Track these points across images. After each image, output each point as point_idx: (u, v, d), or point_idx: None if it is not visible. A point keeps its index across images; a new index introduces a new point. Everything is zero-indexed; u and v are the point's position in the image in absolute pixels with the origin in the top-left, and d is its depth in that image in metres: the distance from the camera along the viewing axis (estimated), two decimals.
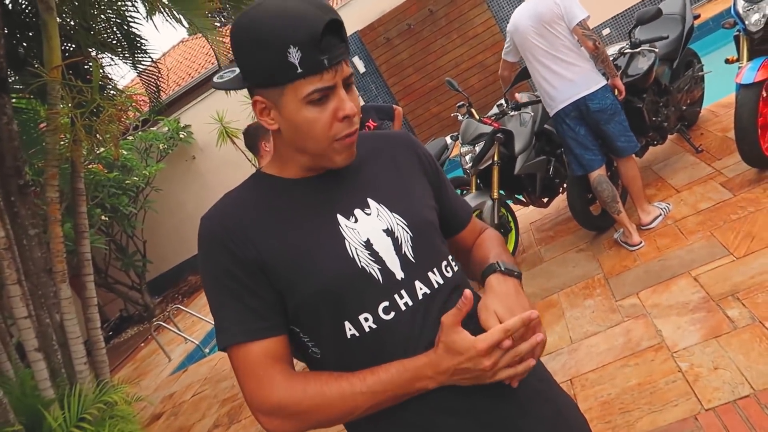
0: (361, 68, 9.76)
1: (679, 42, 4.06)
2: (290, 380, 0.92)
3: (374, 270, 0.94)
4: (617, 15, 8.86)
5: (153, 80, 5.44)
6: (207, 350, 6.48)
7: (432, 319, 0.95)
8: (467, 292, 0.93)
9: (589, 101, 3.33)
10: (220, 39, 5.68)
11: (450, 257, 1.05)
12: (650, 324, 2.75)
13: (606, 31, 8.94)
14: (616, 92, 3.43)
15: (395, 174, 1.05)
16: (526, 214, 4.84)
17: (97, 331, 4.31)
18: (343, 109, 0.90)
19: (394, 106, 4.93)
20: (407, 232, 0.98)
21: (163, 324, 6.70)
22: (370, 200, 0.99)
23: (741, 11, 3.17)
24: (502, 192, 3.82)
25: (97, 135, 3.65)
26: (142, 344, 8.26)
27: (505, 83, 3.84)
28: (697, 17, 4.29)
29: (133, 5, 4.77)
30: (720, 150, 3.94)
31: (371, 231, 0.96)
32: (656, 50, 3.64)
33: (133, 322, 9.88)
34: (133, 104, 5.63)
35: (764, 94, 3.15)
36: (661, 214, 3.56)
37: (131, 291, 9.59)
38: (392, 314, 0.94)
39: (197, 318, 7.21)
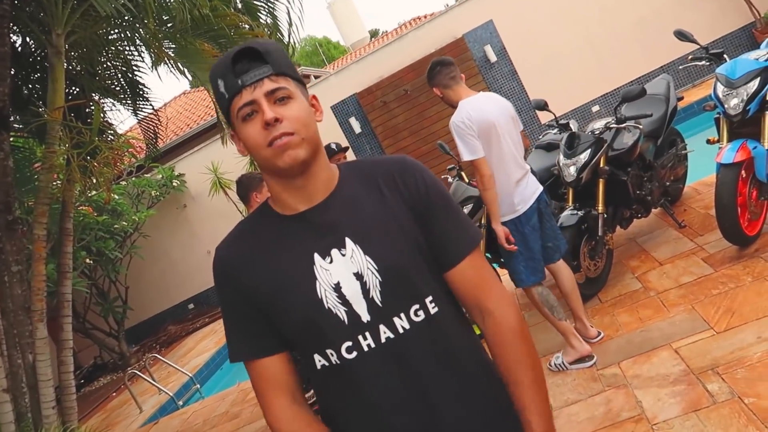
0: (357, 129, 10.00)
1: (663, 121, 4.23)
2: (297, 419, 1.07)
3: (340, 311, 1.02)
4: (606, 93, 9.22)
5: (152, 127, 5.55)
6: (180, 403, 6.29)
7: (404, 362, 1.02)
8: None
9: (544, 193, 3.27)
10: None
11: (429, 299, 1.05)
12: (631, 394, 2.73)
13: (595, 108, 9.28)
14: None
15: (379, 209, 1.07)
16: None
17: (69, 376, 4.20)
18: (263, 118, 1.00)
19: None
20: (377, 277, 1.02)
21: (138, 373, 6.53)
22: (348, 240, 1.04)
23: (721, 95, 3.33)
24: (488, 255, 3.85)
25: (92, 176, 3.68)
26: (114, 394, 8.01)
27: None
28: (680, 99, 4.49)
29: (139, 55, 4.92)
30: (702, 226, 4.04)
31: (342, 273, 1.03)
32: (641, 127, 3.79)
33: (107, 370, 9.61)
34: (130, 150, 5.68)
35: (743, 174, 3.26)
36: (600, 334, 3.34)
37: (108, 338, 9.38)
38: (354, 354, 1.02)
39: (174, 369, 7.04)
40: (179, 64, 5.30)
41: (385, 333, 1.02)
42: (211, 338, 8.83)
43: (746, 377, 2.46)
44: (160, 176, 10.17)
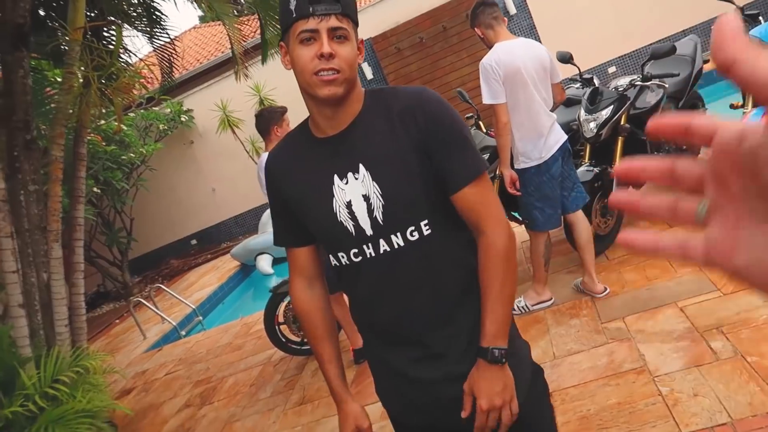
0: (369, 75, 9.85)
1: (687, 82, 4.18)
2: (308, 300, 1.38)
3: (349, 225, 1.22)
4: (624, 55, 9.06)
5: (167, 57, 5.46)
6: (183, 333, 6.43)
7: (395, 270, 1.22)
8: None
9: (569, 143, 3.33)
10: (237, 26, 5.73)
11: (424, 222, 1.21)
12: (634, 348, 2.81)
13: (612, 69, 9.13)
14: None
15: (390, 141, 1.21)
16: (520, 233, 4.89)
17: (79, 297, 4.27)
18: (321, 48, 1.12)
19: None
20: (380, 200, 1.20)
21: (143, 301, 6.64)
22: (361, 166, 1.21)
23: None
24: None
25: (109, 101, 3.65)
26: (117, 321, 8.18)
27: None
28: (706, 62, 4.42)
29: None
30: None
31: (354, 194, 1.21)
32: (666, 86, 3.75)
33: (110, 298, 9.78)
34: (142, 80, 5.60)
35: None
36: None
37: (111, 267, 9.50)
38: (360, 258, 1.24)
39: (176, 300, 7.17)
40: None
41: (383, 246, 1.21)
42: (213, 274, 8.96)
43: (750, 337, 2.52)
44: (169, 110, 10.07)
